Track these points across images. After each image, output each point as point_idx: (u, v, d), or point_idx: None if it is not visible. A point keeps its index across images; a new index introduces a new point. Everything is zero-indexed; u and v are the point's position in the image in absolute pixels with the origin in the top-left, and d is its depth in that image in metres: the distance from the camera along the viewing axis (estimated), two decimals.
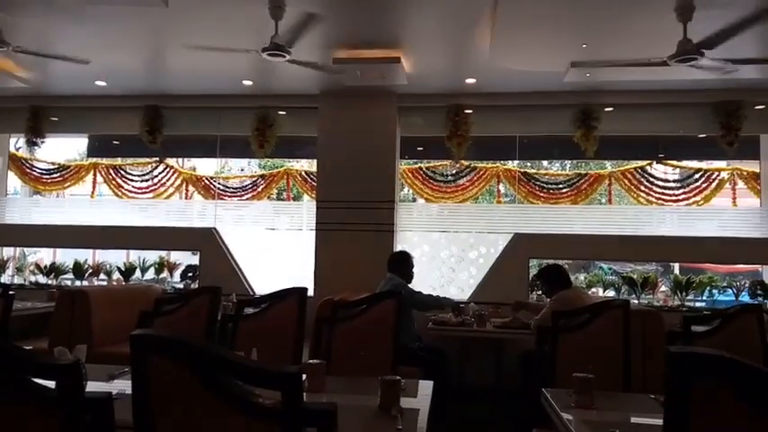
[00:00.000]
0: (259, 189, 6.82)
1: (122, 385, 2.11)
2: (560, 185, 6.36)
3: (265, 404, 1.30)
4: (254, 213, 6.67)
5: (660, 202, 6.11)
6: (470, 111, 5.88)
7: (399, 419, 1.88)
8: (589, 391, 2.11)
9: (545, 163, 10.56)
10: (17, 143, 7.32)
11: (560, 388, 2.33)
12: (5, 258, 6.67)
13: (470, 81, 5.53)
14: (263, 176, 7.03)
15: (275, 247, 6.37)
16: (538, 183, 6.35)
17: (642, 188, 6.19)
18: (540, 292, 5.56)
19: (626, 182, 6.27)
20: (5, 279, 6.23)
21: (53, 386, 1.35)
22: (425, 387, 2.40)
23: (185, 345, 1.34)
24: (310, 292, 5.07)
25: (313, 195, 6.43)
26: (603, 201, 6.55)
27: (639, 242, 5.70)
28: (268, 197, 6.88)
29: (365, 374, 2.47)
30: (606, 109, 5.81)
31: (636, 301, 5.52)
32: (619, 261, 6.99)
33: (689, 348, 1.30)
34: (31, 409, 1.36)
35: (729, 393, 1.21)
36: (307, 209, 6.49)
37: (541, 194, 6.29)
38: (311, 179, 6.71)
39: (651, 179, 6.20)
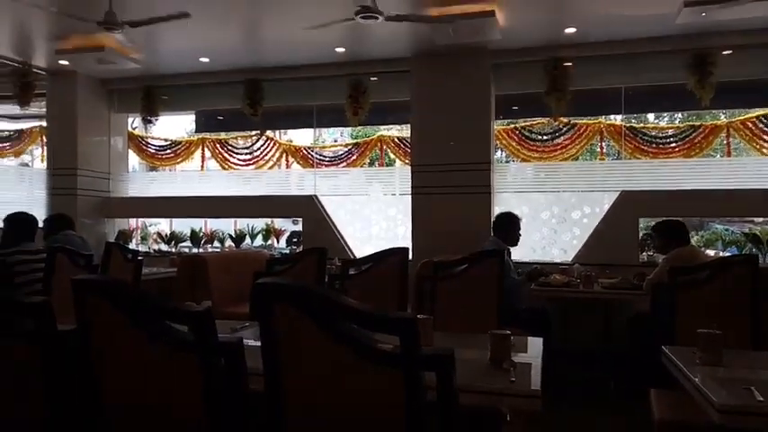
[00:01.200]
0: (354, 157, 6.96)
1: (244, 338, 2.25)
2: (670, 139, 5.92)
3: (385, 349, 1.34)
4: (349, 181, 6.80)
5: None
6: (570, 63, 5.57)
7: (512, 372, 1.87)
8: (716, 348, 1.98)
9: (651, 117, 9.88)
10: (133, 123, 7.93)
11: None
12: (131, 229, 7.32)
13: (570, 31, 5.23)
14: (356, 145, 7.16)
15: (371, 213, 6.48)
16: (645, 137, 5.94)
17: (766, 138, 5.62)
18: (650, 253, 5.28)
19: (747, 132, 5.72)
20: (132, 247, 6.81)
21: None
22: (535, 343, 2.37)
23: (307, 291, 1.40)
24: (409, 255, 5.14)
25: (406, 161, 6.44)
26: (719, 155, 6.02)
27: (763, 197, 5.20)
28: (361, 165, 7.00)
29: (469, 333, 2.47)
30: (724, 52, 5.28)
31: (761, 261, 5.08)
32: (738, 219, 6.45)
33: None
34: (171, 353, 1.48)
35: None
36: (399, 174, 6.53)
37: (649, 150, 5.89)
38: (404, 145, 6.72)
39: None
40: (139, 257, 4.32)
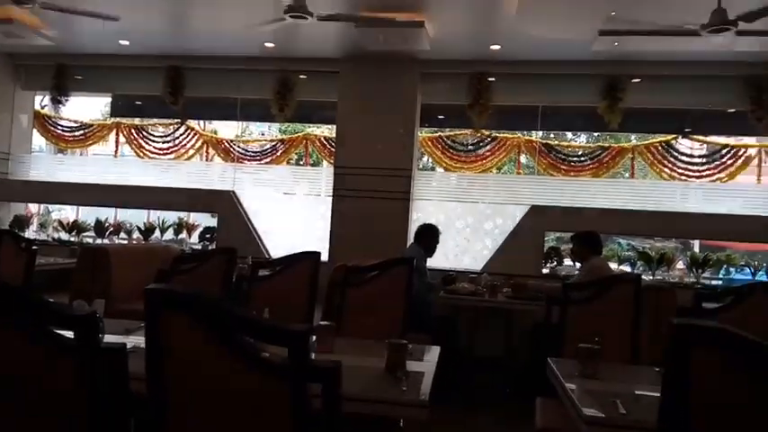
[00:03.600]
0: (278, 153, 6.83)
1: (138, 339, 2.18)
2: (582, 158, 6.27)
3: (273, 360, 1.34)
4: (272, 177, 6.70)
5: (684, 177, 5.99)
6: (493, 78, 5.79)
7: (404, 381, 1.92)
8: (594, 362, 2.13)
9: (569, 135, 10.40)
10: (42, 101, 7.42)
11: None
12: (29, 215, 6.84)
13: (495, 48, 5.43)
14: (282, 141, 7.06)
15: (293, 212, 6.41)
16: (559, 155, 6.26)
17: (666, 163, 6.07)
18: (553, 264, 5.58)
19: (649, 156, 6.15)
20: (29, 235, 6.37)
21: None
22: (432, 352, 2.44)
23: (198, 300, 1.38)
24: (326, 258, 5.14)
25: (332, 161, 6.44)
26: (627, 175, 6.42)
27: (661, 218, 5.61)
28: (287, 162, 6.91)
29: (375, 339, 2.50)
30: (633, 80, 5.66)
31: (650, 278, 5.48)
32: (638, 236, 6.92)
33: (692, 320, 1.30)
34: (52, 357, 1.42)
35: (730, 364, 1.22)
36: (326, 175, 6.51)
37: (562, 167, 6.21)
38: (330, 145, 6.71)
39: (676, 154, 6.06)
40: (34, 247, 4.06)
